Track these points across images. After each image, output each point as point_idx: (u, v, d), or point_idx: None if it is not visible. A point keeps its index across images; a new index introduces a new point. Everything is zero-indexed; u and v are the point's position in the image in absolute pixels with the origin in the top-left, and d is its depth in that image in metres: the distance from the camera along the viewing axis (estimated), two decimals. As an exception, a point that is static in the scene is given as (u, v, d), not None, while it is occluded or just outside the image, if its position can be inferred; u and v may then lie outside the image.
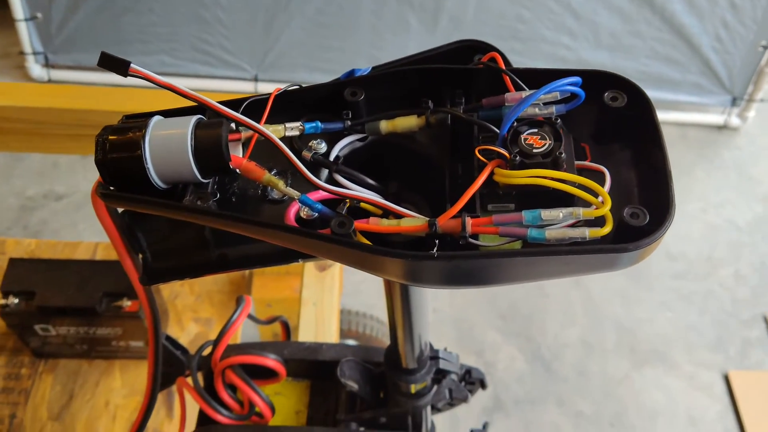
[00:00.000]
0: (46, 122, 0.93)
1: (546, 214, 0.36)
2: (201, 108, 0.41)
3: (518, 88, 0.41)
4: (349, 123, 0.42)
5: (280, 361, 0.68)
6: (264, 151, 0.41)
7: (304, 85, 0.44)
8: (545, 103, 0.39)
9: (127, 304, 0.87)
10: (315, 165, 0.41)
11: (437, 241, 0.37)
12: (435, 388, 0.65)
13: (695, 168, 2.08)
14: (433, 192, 0.42)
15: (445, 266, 0.35)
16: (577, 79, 0.39)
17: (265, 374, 0.68)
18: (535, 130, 0.38)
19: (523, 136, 0.38)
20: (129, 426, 0.92)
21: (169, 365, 0.69)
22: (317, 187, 0.39)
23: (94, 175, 0.39)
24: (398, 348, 0.59)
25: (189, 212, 0.39)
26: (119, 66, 0.37)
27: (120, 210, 0.46)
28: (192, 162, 0.37)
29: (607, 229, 0.35)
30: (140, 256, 0.47)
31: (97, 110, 0.90)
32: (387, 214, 0.39)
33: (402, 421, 0.68)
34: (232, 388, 0.67)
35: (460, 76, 0.43)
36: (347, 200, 0.40)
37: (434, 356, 0.64)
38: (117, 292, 0.88)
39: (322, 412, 0.72)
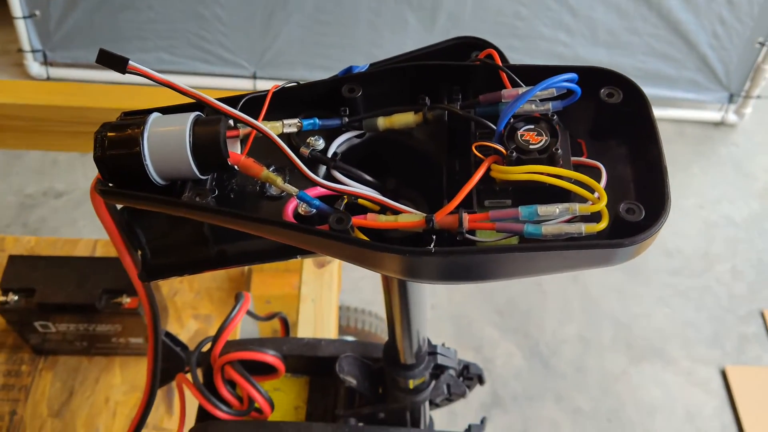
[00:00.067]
0: (45, 120, 0.93)
1: (542, 209, 0.36)
2: (199, 105, 0.41)
3: (515, 85, 0.41)
4: (346, 119, 0.43)
5: (279, 357, 0.68)
6: (262, 148, 0.41)
7: (301, 82, 0.44)
8: (542, 100, 0.39)
9: (126, 300, 0.88)
10: (313, 161, 0.42)
11: (434, 237, 0.37)
12: (433, 383, 0.66)
13: (692, 164, 2.09)
14: (430, 188, 0.43)
15: (442, 262, 0.36)
16: (573, 75, 0.39)
17: (264, 370, 0.69)
18: (532, 127, 0.38)
19: (519, 133, 0.38)
20: (129, 422, 0.92)
21: (169, 361, 0.69)
22: (315, 184, 0.39)
23: (93, 173, 0.39)
24: (396, 344, 0.59)
25: (187, 208, 0.39)
26: (117, 63, 0.37)
27: (119, 207, 0.46)
28: (190, 158, 0.38)
29: (603, 224, 0.35)
30: (139, 252, 0.48)
31: (96, 107, 0.90)
32: (384, 210, 0.40)
33: (400, 416, 0.68)
34: (232, 384, 0.67)
35: (458, 73, 0.43)
36: (345, 196, 0.40)
37: (432, 352, 0.64)
38: (116, 289, 0.88)
39: (321, 408, 0.73)
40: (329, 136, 0.43)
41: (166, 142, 0.37)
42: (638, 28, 2.01)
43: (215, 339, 0.66)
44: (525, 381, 1.60)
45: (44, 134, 0.95)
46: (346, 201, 0.40)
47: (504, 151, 0.37)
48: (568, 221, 0.36)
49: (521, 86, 0.41)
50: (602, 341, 1.68)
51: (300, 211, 0.40)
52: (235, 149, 0.40)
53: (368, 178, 0.42)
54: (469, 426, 0.69)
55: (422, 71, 0.43)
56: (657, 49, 2.05)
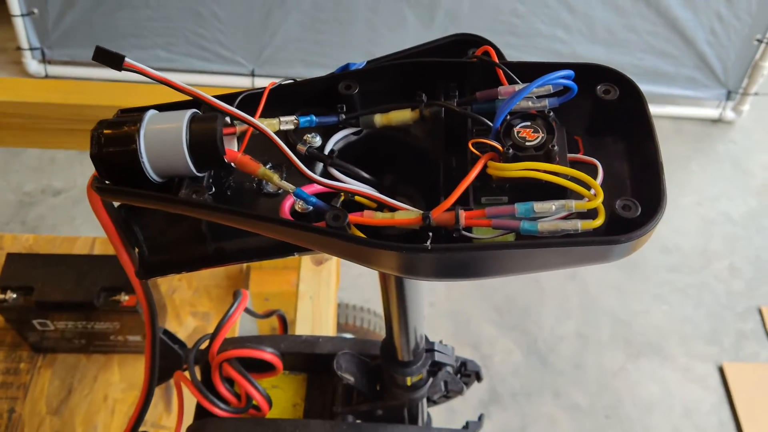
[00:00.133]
0: (44, 117, 0.93)
1: (538, 206, 0.36)
2: (196, 102, 0.41)
3: (511, 82, 0.41)
4: (343, 116, 0.43)
5: (277, 354, 0.68)
6: (259, 145, 0.41)
7: (298, 80, 0.44)
8: (538, 97, 0.39)
9: (125, 298, 0.88)
10: (310, 158, 0.42)
11: (431, 234, 0.37)
12: (430, 380, 0.66)
13: (690, 162, 2.09)
14: (427, 185, 0.43)
15: (438, 259, 0.36)
16: (569, 72, 0.39)
17: (263, 367, 0.69)
18: (528, 123, 0.38)
19: (516, 129, 0.38)
20: (127, 420, 0.92)
21: (167, 359, 0.69)
22: (312, 181, 0.39)
23: (91, 170, 0.39)
24: (394, 341, 0.59)
25: (184, 206, 0.39)
26: (114, 60, 0.37)
27: (116, 204, 0.46)
28: (187, 156, 0.38)
29: (599, 221, 0.35)
30: (136, 250, 0.48)
31: (94, 105, 0.90)
32: (381, 207, 0.40)
33: (398, 413, 0.68)
34: (230, 382, 0.67)
35: (455, 70, 0.43)
36: (342, 194, 0.40)
37: (430, 349, 0.64)
38: (115, 287, 0.88)
39: (319, 405, 0.73)
40: (326, 133, 0.43)
41: (163, 140, 0.38)
42: (636, 25, 2.01)
43: (213, 336, 0.66)
44: (523, 378, 1.60)
45: (42, 132, 0.95)
46: (342, 198, 0.40)
47: (500, 148, 0.38)
48: (565, 218, 0.36)
49: (518, 83, 0.41)
50: (600, 338, 1.68)
51: (297, 208, 0.40)
52: (232, 146, 0.40)
53: (365, 175, 0.42)
54: (467, 423, 0.69)
55: (419, 68, 0.43)
56: (655, 47, 2.05)
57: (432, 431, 0.69)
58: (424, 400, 0.69)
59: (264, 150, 0.42)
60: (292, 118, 0.42)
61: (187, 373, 0.67)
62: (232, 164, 0.39)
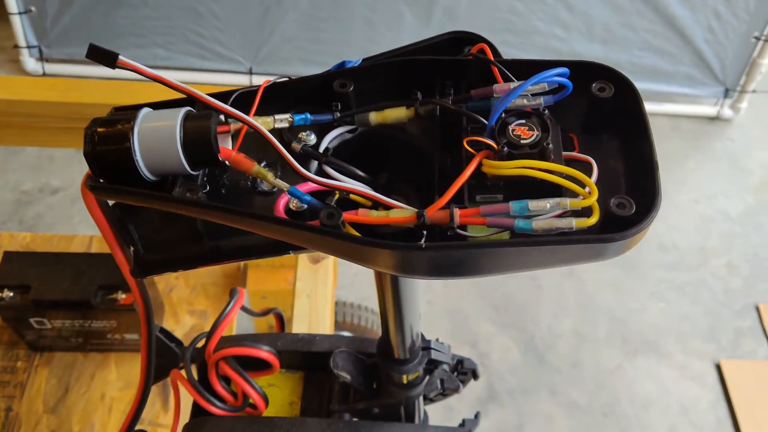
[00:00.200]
0: (42, 116, 0.92)
1: (533, 204, 0.36)
2: (191, 100, 0.41)
3: (507, 80, 0.41)
4: (338, 114, 0.43)
5: (273, 352, 0.68)
6: (254, 143, 0.41)
7: (293, 77, 0.44)
8: (533, 94, 0.39)
9: (121, 297, 0.88)
10: (304, 157, 0.41)
11: (425, 233, 0.37)
12: (427, 378, 0.66)
13: (688, 159, 2.09)
14: (422, 183, 0.43)
15: (432, 257, 0.36)
16: (564, 70, 0.39)
17: (259, 366, 0.68)
18: (523, 121, 0.38)
19: (511, 127, 0.38)
20: (125, 418, 0.92)
21: (163, 357, 0.69)
22: (306, 179, 0.39)
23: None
24: (390, 339, 0.59)
25: (178, 204, 0.39)
26: (107, 58, 0.37)
27: (111, 202, 0.46)
28: (181, 154, 0.38)
29: (593, 219, 0.35)
30: (131, 248, 0.48)
31: (92, 103, 0.90)
32: (377, 205, 0.40)
33: (395, 411, 0.68)
34: (226, 380, 0.67)
35: (450, 68, 0.43)
36: (336, 192, 0.40)
37: (426, 347, 0.64)
38: (112, 285, 0.88)
39: (316, 403, 0.73)
40: (321, 131, 0.43)
41: (157, 138, 0.37)
42: (634, 23, 2.01)
43: (209, 335, 0.66)
44: (520, 375, 1.60)
45: (40, 130, 0.95)
46: (337, 196, 0.40)
47: (495, 146, 0.37)
48: (559, 216, 0.36)
49: (513, 81, 0.41)
50: (597, 336, 1.68)
51: (291, 206, 0.40)
52: (226, 144, 0.40)
53: (360, 173, 0.42)
54: (463, 421, 0.69)
55: (414, 66, 0.43)
56: (653, 44, 2.05)
57: (428, 429, 0.69)
58: (421, 398, 0.69)
59: (259, 148, 0.42)
60: (287, 116, 0.42)
61: (183, 372, 0.67)
62: (227, 162, 0.39)
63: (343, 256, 0.38)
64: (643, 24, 2.01)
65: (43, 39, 2.07)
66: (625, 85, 0.40)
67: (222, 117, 0.40)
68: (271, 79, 0.43)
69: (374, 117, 0.42)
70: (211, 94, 0.40)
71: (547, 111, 0.39)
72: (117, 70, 0.38)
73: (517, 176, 0.36)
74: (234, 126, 0.40)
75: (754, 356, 1.67)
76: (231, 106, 0.39)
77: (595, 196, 0.35)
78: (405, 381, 0.64)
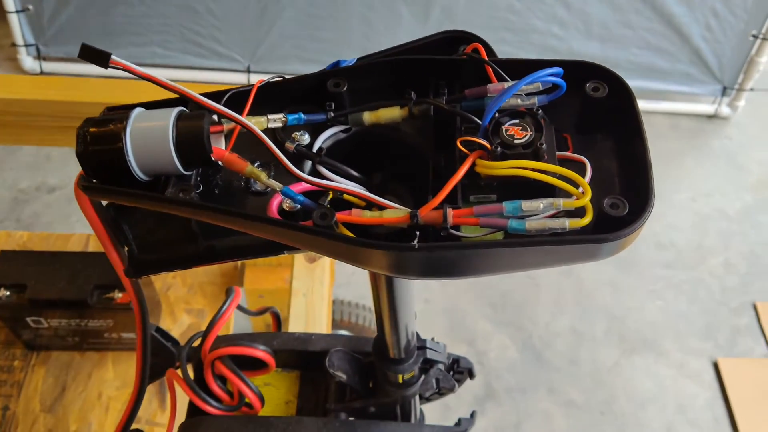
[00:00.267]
0: (39, 114, 0.92)
1: (526, 204, 0.36)
2: (184, 100, 0.41)
3: (501, 79, 0.41)
4: (332, 114, 0.43)
5: (269, 351, 0.68)
6: (247, 143, 0.41)
7: (287, 77, 0.44)
8: (527, 94, 0.39)
9: (118, 296, 0.88)
10: (298, 157, 0.41)
11: (418, 233, 0.37)
12: (422, 377, 0.66)
13: (685, 157, 2.09)
14: (416, 183, 0.42)
15: (425, 257, 0.35)
16: (558, 69, 0.39)
17: (255, 365, 0.68)
18: (517, 121, 0.38)
19: (504, 127, 0.38)
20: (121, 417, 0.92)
21: (160, 357, 0.69)
22: (300, 179, 0.39)
23: (86, 168, 0.39)
24: (385, 338, 0.59)
25: (171, 204, 0.39)
26: (100, 58, 0.37)
27: (105, 202, 0.46)
28: (174, 154, 0.37)
29: (587, 219, 0.35)
30: (126, 248, 0.47)
31: (90, 102, 0.90)
32: (370, 205, 0.39)
33: (391, 410, 0.68)
34: (222, 379, 0.67)
35: (444, 67, 0.43)
36: (330, 192, 0.40)
37: (422, 346, 0.64)
38: (108, 284, 0.88)
39: (312, 402, 0.73)
40: (315, 131, 0.43)
41: (149, 138, 0.37)
42: (632, 21, 2.01)
43: (205, 334, 0.65)
44: (518, 374, 1.60)
45: (38, 129, 0.95)
46: (331, 197, 0.40)
47: (489, 146, 0.37)
48: (553, 216, 0.36)
49: (507, 80, 0.41)
50: (595, 334, 1.68)
51: (285, 206, 0.40)
52: (219, 144, 0.40)
53: (354, 173, 0.42)
54: (459, 420, 0.69)
55: (408, 65, 0.43)
56: (650, 43, 2.05)
57: (425, 428, 0.69)
58: (417, 397, 0.69)
59: (252, 148, 0.41)
60: (280, 116, 0.41)
61: (179, 371, 0.67)
62: (220, 162, 0.39)
63: (336, 256, 0.38)
64: (640, 22, 2.01)
65: (41, 37, 2.07)
66: (619, 85, 0.40)
67: (215, 117, 0.40)
68: (265, 78, 0.43)
69: (368, 117, 0.42)
70: (204, 94, 0.40)
71: (540, 111, 0.38)
72: (116, 70, 0.38)
73: (511, 176, 0.36)
74: (227, 126, 0.40)
75: (751, 354, 1.67)
76: (224, 105, 0.39)
77: (589, 196, 0.35)
78: (401, 380, 0.64)
